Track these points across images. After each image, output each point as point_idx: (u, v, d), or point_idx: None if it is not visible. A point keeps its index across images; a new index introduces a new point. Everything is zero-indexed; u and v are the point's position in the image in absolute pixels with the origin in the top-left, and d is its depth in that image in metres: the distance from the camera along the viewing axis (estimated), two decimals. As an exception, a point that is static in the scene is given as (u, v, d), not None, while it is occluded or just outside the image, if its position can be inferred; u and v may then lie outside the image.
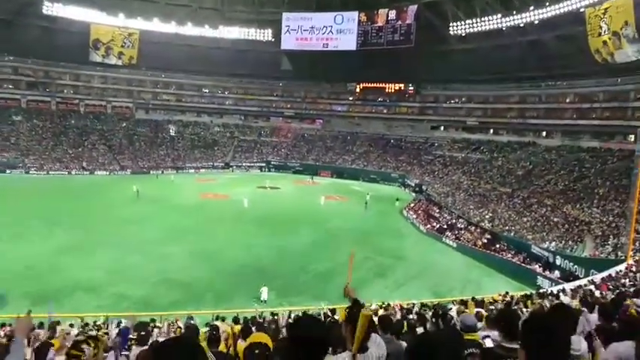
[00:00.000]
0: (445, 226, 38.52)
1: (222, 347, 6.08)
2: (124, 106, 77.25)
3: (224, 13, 72.50)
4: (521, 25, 51.97)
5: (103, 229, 32.43)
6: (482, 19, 55.67)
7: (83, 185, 51.14)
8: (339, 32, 70.53)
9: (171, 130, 76.24)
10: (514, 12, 52.09)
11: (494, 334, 5.49)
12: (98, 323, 15.08)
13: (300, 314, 14.12)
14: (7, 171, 55.78)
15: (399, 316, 12.31)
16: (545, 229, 33.12)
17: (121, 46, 71.47)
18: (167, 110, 79.74)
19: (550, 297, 14.83)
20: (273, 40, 73.51)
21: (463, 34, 59.03)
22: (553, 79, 55.08)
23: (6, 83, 68.55)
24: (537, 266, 27.82)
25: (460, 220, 39.16)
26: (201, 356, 1.72)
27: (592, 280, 20.59)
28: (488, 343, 4.33)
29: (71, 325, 13.90)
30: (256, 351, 2.03)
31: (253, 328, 7.88)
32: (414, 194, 54.18)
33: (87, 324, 14.53)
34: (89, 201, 42.43)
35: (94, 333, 8.59)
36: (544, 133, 56.42)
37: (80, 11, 65.25)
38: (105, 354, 5.56)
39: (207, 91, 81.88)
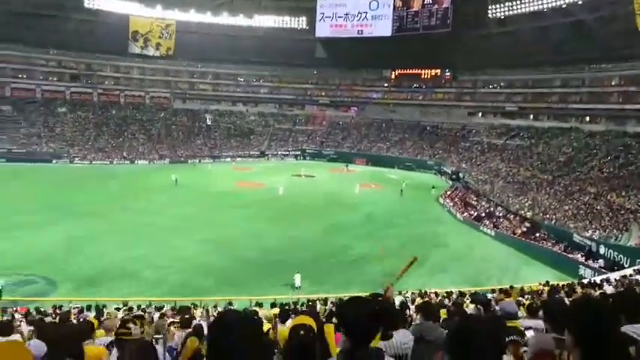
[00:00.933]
0: (483, 215, 37.84)
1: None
2: (162, 97, 78.96)
3: (259, 1, 72.73)
4: (564, 5, 50.05)
5: (142, 216, 33.38)
6: (523, 0, 53.85)
7: (125, 174, 52.64)
8: (374, 18, 69.70)
9: (207, 120, 77.44)
10: (556, -8, 50.22)
11: (537, 323, 5.43)
12: (142, 307, 15.65)
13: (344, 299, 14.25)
14: (54, 161, 58.04)
15: (437, 303, 12.26)
16: (588, 217, 32.08)
17: (158, 37, 72.82)
18: (203, 100, 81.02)
19: (594, 287, 14.45)
20: (307, 27, 73.39)
21: (502, 17, 57.33)
22: (597, 61, 52.93)
23: (51, 76, 71.17)
24: (579, 255, 27.04)
25: (498, 208, 38.37)
26: (262, 329, 1.77)
27: (638, 269, 19.90)
28: (530, 335, 4.28)
29: (117, 309, 14.50)
30: (301, 332, 2.08)
31: (292, 316, 8.02)
32: (450, 182, 53.37)
33: (131, 308, 15.11)
34: (131, 188, 43.71)
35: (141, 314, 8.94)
36: (587, 118, 54.43)
37: (119, 4, 66.81)
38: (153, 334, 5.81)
39: (242, 80, 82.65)
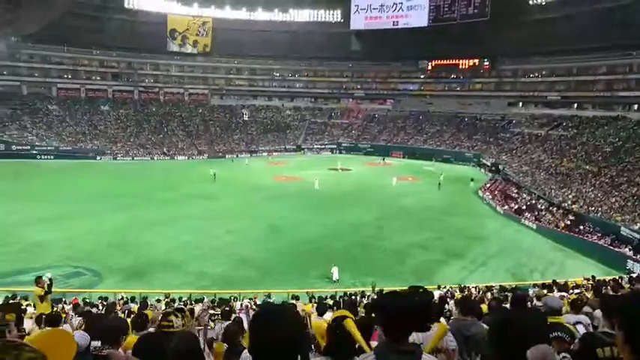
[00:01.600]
0: (524, 207, 36.89)
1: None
2: (199, 93, 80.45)
3: (293, -4, 72.96)
4: (609, -11, 48.07)
5: (182, 207, 34.15)
6: (565, -15, 52.06)
7: (165, 169, 53.97)
8: (410, 9, 68.78)
9: (244, 115, 78.42)
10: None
11: (580, 318, 5.28)
12: (184, 300, 16.04)
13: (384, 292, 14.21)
14: (98, 157, 60.12)
15: (477, 298, 12.08)
16: (636, 209, 30.78)
17: (195, 35, 74.15)
18: (240, 95, 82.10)
19: (642, 282, 13.89)
20: (342, 20, 73.20)
21: (543, 3, 55.55)
22: (646, 46, 50.61)
23: (94, 75, 73.62)
24: (627, 249, 26.02)
25: (540, 200, 37.30)
26: (301, 324, 1.80)
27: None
28: (581, 330, 4.16)
29: (158, 300, 14.92)
30: (343, 322, 2.09)
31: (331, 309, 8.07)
32: (489, 174, 52.27)
33: (173, 300, 15.51)
34: (172, 182, 44.78)
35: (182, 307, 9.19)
36: (635, 107, 52.11)
37: (158, 3, 68.42)
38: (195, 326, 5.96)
39: (277, 75, 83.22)
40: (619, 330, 1.71)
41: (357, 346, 2.47)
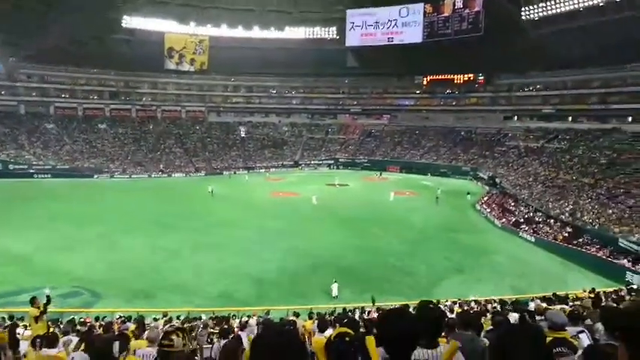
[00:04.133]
0: (522, 220, 36.93)
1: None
2: (197, 111, 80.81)
3: (289, 14, 73.61)
4: (601, 4, 48.64)
5: (180, 226, 34.03)
6: (558, 0, 52.65)
7: (164, 187, 53.85)
8: (404, 25, 69.46)
9: (241, 132, 78.61)
10: (592, -10, 48.94)
11: (577, 330, 5.23)
12: (181, 318, 15.90)
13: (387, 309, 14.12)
14: (95, 175, 59.96)
15: (477, 312, 12.01)
16: (634, 220, 30.84)
17: (192, 53, 74.58)
18: (237, 112, 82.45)
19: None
20: (337, 37, 73.87)
21: (536, 18, 56.18)
22: (638, 59, 51.01)
23: (92, 94, 73.97)
24: (626, 261, 25.99)
25: (538, 213, 37.37)
26: (304, 350, 1.75)
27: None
28: (584, 339, 4.13)
29: (155, 319, 14.80)
30: (346, 338, 2.07)
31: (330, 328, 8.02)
32: (487, 187, 52.38)
33: (171, 318, 15.37)
34: (169, 200, 44.67)
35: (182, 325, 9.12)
36: (629, 119, 52.43)
37: (155, 22, 68.89)
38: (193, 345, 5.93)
39: (274, 91, 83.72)
40: (620, 343, 1.72)
41: None
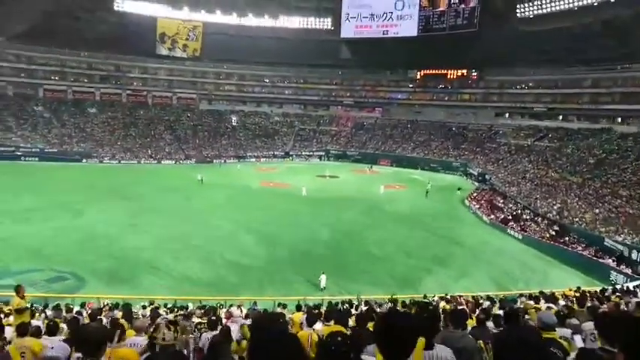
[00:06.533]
0: (510, 217, 37.20)
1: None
2: (188, 98, 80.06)
3: (284, 2, 73.06)
4: (595, 3, 48.83)
5: (170, 211, 33.90)
6: (552, -2, 52.85)
7: (152, 172, 53.54)
8: (400, 18, 69.27)
9: (233, 120, 78.21)
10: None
11: (564, 331, 5.27)
12: (169, 306, 15.84)
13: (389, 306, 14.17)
14: (84, 160, 59.41)
15: (467, 309, 12.08)
16: (619, 221, 31.23)
17: (185, 39, 73.87)
18: (229, 101, 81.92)
19: (627, 293, 14.03)
20: (332, 28, 73.48)
21: (531, 16, 56.34)
22: (630, 60, 51.45)
23: (82, 77, 72.97)
24: (610, 260, 26.34)
25: (526, 210, 37.68)
26: (302, 350, 1.73)
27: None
28: (578, 341, 4.16)
29: (144, 307, 14.72)
30: (339, 338, 2.04)
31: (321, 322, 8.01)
32: (476, 183, 52.70)
33: (158, 307, 15.29)
34: (160, 186, 44.43)
35: (171, 317, 9.07)
36: (619, 119, 53.02)
37: (148, 6, 68.07)
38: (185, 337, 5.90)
39: (267, 81, 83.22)
40: (619, 352, 1.72)
41: None
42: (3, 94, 65.40)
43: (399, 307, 12.48)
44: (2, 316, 10.24)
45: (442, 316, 5.35)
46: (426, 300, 15.11)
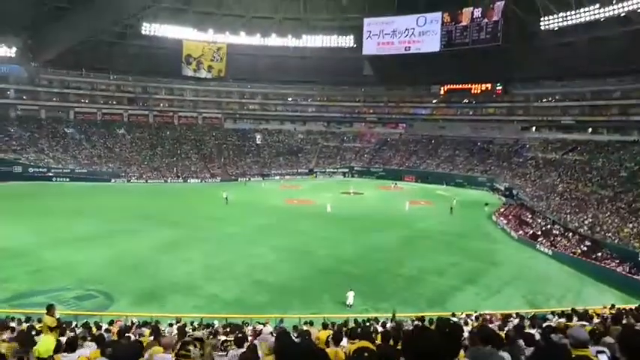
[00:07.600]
0: (539, 233, 36.34)
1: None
2: (213, 117, 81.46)
3: (307, 22, 74.00)
4: (623, 14, 48.04)
5: (199, 232, 34.22)
6: (578, 10, 52.13)
7: (180, 192, 54.31)
8: (422, 34, 69.26)
9: (257, 139, 79.02)
10: (613, 0, 48.28)
11: (597, 349, 5.06)
12: (194, 324, 15.88)
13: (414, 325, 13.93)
14: (112, 180, 60.76)
15: (495, 326, 11.79)
16: (655, 235, 30.16)
17: (210, 60, 75.28)
18: (253, 119, 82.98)
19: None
20: (354, 46, 73.89)
21: (555, 28, 55.66)
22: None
23: (111, 100, 75.07)
24: (647, 277, 25.39)
25: (556, 226, 36.75)
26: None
27: None
28: (604, 359, 4.01)
29: (170, 325, 14.80)
30: (365, 354, 2.00)
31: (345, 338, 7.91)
32: (503, 199, 51.78)
33: (185, 324, 15.35)
34: (189, 205, 44.99)
35: (199, 334, 9.09)
36: (651, 131, 51.65)
37: (174, 29, 69.72)
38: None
39: (290, 99, 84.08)
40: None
41: None
42: (37, 117, 67.69)
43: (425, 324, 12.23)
44: (34, 332, 10.43)
45: (470, 334, 5.23)
46: (448, 317, 14.78)
